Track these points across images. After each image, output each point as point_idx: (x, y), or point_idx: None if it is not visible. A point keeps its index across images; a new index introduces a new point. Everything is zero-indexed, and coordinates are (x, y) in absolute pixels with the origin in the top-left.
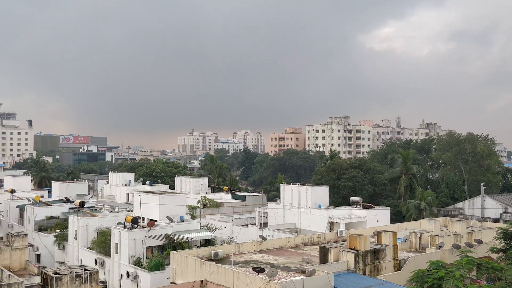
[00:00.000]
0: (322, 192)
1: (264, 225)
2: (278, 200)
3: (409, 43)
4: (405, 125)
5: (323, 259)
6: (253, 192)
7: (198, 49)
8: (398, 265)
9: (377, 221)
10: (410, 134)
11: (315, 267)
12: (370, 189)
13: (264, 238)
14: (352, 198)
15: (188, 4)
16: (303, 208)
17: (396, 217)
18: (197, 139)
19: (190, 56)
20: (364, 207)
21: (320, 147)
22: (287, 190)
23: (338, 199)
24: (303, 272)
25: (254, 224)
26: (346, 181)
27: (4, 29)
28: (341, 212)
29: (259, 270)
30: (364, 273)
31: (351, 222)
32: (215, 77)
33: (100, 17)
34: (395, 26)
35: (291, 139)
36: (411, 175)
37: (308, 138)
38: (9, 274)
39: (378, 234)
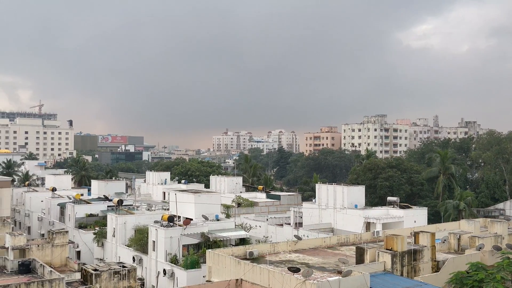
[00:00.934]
0: (358, 192)
1: (299, 225)
2: (314, 200)
3: (448, 40)
4: (443, 124)
5: (359, 259)
6: (287, 192)
7: (233, 50)
8: (436, 267)
9: (415, 222)
10: (449, 133)
11: (351, 267)
12: (407, 189)
13: (299, 238)
14: (389, 198)
15: (224, 6)
16: (339, 208)
17: (434, 218)
18: (232, 138)
19: (226, 57)
20: (401, 207)
21: (356, 146)
22: (323, 189)
23: (374, 199)
24: (339, 272)
25: (289, 224)
26: (383, 181)
27: (48, 32)
28: (377, 212)
29: (294, 270)
30: (401, 274)
31: (387, 222)
32: (249, 77)
33: (139, 20)
34: (433, 22)
35: (327, 138)
36: (450, 174)
37: (344, 137)
38: (51, 270)
39: (416, 234)
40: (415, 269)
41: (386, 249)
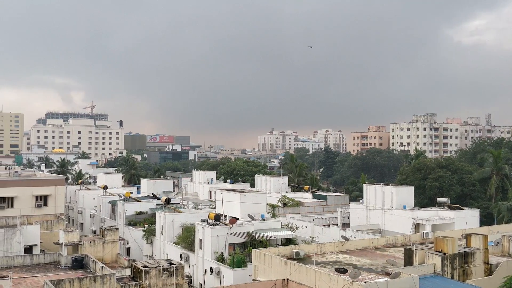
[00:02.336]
0: (407, 193)
1: (346, 225)
2: (361, 200)
3: (501, 36)
4: (496, 123)
5: (408, 261)
6: (334, 192)
7: (278, 49)
8: (489, 270)
9: (466, 224)
10: (502, 132)
11: (399, 269)
12: (458, 190)
13: (346, 239)
14: (439, 199)
15: (268, 5)
16: (387, 208)
17: (486, 220)
18: (277, 138)
19: (271, 57)
20: (452, 208)
21: (404, 146)
22: (371, 190)
23: (423, 200)
24: (387, 274)
25: (336, 225)
26: (433, 181)
27: (99, 35)
28: (427, 214)
29: (341, 271)
30: (452, 277)
31: (437, 224)
32: (295, 76)
33: (185, 22)
34: (486, 18)
35: (374, 137)
36: (503, 175)
37: (392, 136)
38: (102, 266)
39: (467, 237)
40: (466, 272)
41: (436, 251)
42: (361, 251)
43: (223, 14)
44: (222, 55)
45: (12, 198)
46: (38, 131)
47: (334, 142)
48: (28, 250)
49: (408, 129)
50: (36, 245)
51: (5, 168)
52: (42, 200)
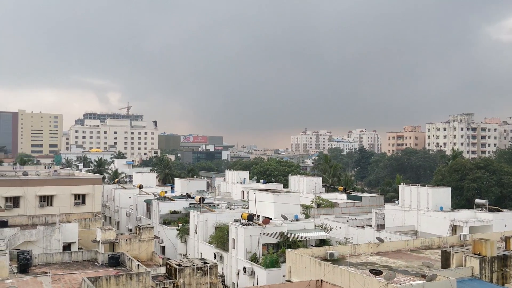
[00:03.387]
0: (443, 194)
1: (381, 226)
2: (396, 202)
3: None
4: None
5: (445, 263)
6: (369, 193)
7: (313, 48)
8: None
9: (505, 226)
10: None
11: (436, 271)
12: (497, 191)
13: (381, 240)
14: (477, 201)
15: (303, 4)
16: (423, 210)
17: None
18: (310, 138)
19: (305, 56)
20: (490, 210)
21: (441, 146)
22: (406, 191)
23: (461, 201)
24: (423, 276)
25: (371, 226)
26: (470, 183)
27: (134, 36)
28: (464, 215)
29: (376, 273)
30: (490, 281)
31: (475, 226)
32: (329, 76)
33: (219, 22)
34: None
35: (410, 137)
36: None
37: (428, 136)
38: (138, 264)
39: (506, 239)
40: (505, 276)
41: (474, 253)
42: (396, 252)
43: (257, 13)
44: (255, 54)
45: (52, 196)
46: (76, 132)
47: (368, 142)
48: (67, 247)
49: (445, 129)
50: (74, 242)
51: (45, 168)
52: (80, 199)
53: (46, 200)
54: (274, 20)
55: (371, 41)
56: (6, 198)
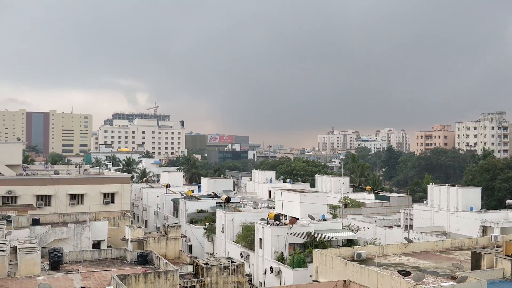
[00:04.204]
0: (474, 194)
1: (409, 227)
2: (425, 202)
3: None
4: None
5: (475, 265)
6: (397, 193)
7: (339, 46)
8: None
9: None
10: None
11: (466, 273)
12: None
13: (409, 241)
14: (508, 201)
15: (330, 3)
16: (453, 210)
17: None
18: (338, 137)
19: (331, 54)
20: None
21: (471, 145)
22: (435, 191)
23: (491, 202)
24: (453, 278)
25: (399, 226)
26: (502, 183)
27: (162, 37)
28: (495, 216)
29: (404, 273)
30: None
31: (507, 227)
32: (357, 74)
33: (245, 21)
34: None
35: (439, 137)
36: None
37: (458, 136)
38: (166, 262)
39: None
40: None
41: (506, 255)
42: (425, 253)
43: (283, 12)
44: (281, 53)
45: (82, 195)
46: (106, 131)
47: (397, 142)
48: (96, 245)
49: (475, 128)
50: (103, 240)
51: (75, 167)
52: (110, 197)
53: (76, 198)
54: (299, 18)
55: (400, 38)
56: (38, 197)
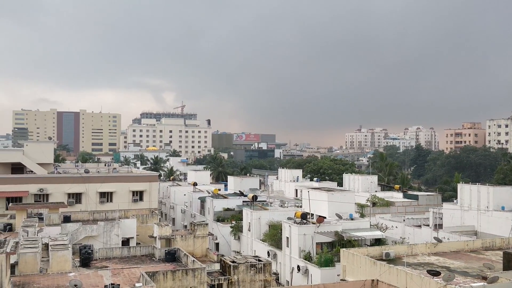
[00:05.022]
0: (505, 193)
1: (438, 226)
2: (455, 201)
3: None
4: None
5: (507, 265)
6: (426, 192)
7: (369, 42)
8: None
9: None
10: None
11: (497, 273)
12: None
13: (439, 240)
14: None
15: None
16: (483, 209)
17: None
18: (365, 135)
19: (361, 50)
20: None
21: (502, 143)
22: (465, 190)
23: None
24: (484, 278)
25: (428, 225)
26: None
27: (189, 36)
28: None
29: (434, 273)
30: None
31: None
32: (385, 72)
33: (271, 18)
34: None
35: (469, 135)
36: None
37: (489, 133)
38: (193, 260)
39: None
40: None
41: None
42: (455, 253)
43: (310, 8)
44: (309, 51)
45: (111, 193)
46: (134, 130)
47: (425, 140)
48: (125, 242)
49: (507, 126)
50: (132, 237)
51: (105, 165)
52: (138, 195)
53: (106, 196)
54: (328, 15)
55: (429, 36)
56: (69, 195)
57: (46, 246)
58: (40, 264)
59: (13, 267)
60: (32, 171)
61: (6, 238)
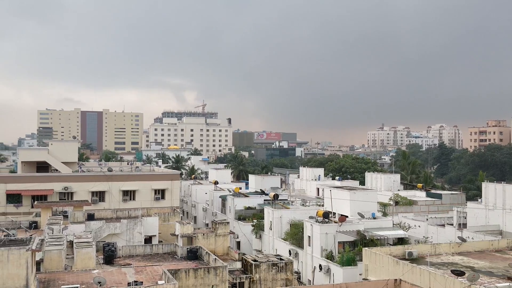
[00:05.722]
0: None
1: (463, 225)
2: (479, 200)
3: None
4: None
5: None
6: (450, 190)
7: (391, 39)
8: None
9: None
10: None
11: None
12: None
13: (463, 240)
14: None
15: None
16: (509, 209)
17: None
18: (388, 134)
19: (382, 48)
20: None
21: None
22: (490, 189)
23: None
24: (509, 278)
25: (452, 225)
26: None
27: (210, 35)
28: None
29: (458, 273)
30: None
31: None
32: (408, 70)
33: (291, 16)
34: None
35: (494, 133)
36: None
37: None
38: (215, 258)
39: None
40: None
41: None
42: (480, 253)
43: (332, 7)
44: (329, 48)
45: (134, 191)
46: (156, 129)
47: (449, 138)
48: (148, 240)
49: None
50: (155, 235)
51: (128, 164)
52: (160, 194)
53: (129, 194)
54: (349, 14)
55: (453, 31)
56: (93, 193)
57: (70, 244)
58: (65, 261)
59: (38, 264)
60: (57, 170)
61: (31, 235)
